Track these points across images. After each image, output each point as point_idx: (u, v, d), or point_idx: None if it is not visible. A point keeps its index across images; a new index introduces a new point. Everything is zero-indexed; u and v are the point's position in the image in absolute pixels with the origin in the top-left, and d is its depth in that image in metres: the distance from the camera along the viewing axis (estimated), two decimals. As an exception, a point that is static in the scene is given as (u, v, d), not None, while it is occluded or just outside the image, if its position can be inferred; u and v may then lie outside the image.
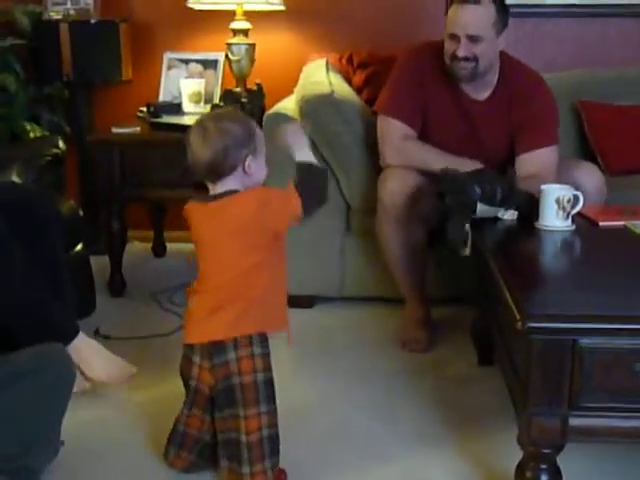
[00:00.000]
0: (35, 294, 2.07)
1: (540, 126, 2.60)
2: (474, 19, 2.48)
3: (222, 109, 1.73)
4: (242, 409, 1.78)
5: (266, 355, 1.82)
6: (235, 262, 1.77)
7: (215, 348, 1.78)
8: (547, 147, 2.59)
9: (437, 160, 2.54)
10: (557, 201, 2.14)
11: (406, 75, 2.67)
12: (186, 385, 1.87)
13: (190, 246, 1.88)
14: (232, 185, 1.79)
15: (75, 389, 2.11)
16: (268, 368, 1.82)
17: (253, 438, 1.78)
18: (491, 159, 2.61)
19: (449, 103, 2.65)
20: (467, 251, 2.20)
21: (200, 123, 1.80)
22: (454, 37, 2.51)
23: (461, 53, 2.50)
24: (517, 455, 1.72)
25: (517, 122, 2.62)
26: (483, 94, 2.64)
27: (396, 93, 2.67)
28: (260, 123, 2.92)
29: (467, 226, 2.21)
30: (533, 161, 2.57)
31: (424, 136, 2.67)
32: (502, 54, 2.62)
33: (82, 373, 2.16)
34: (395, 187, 2.55)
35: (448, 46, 2.55)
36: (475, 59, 2.51)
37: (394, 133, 2.64)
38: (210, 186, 1.81)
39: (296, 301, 2.97)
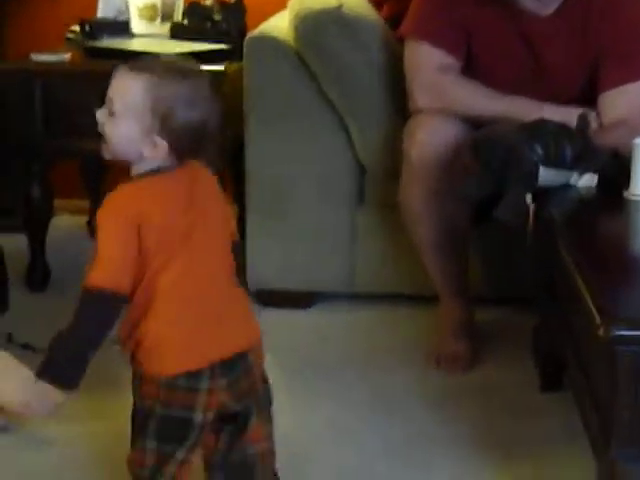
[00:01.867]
0: None
1: (632, 50, 2.60)
2: None
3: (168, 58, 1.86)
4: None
5: None
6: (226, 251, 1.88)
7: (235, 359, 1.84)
8: None
9: (487, 102, 2.55)
10: (656, 161, 2.15)
11: None
12: (180, 426, 1.86)
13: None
14: None
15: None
16: None
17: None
18: (561, 98, 2.61)
19: (501, 21, 2.64)
20: (528, 236, 2.22)
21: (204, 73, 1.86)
22: None
23: None
24: (595, 514, 1.74)
25: (599, 46, 2.62)
26: (548, 8, 2.63)
27: (429, 9, 2.68)
28: (240, 49, 2.92)
29: (528, 199, 2.22)
30: (622, 101, 2.57)
31: (467, 69, 2.68)
32: None
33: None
34: (428, 140, 2.55)
35: None
36: None
37: (428, 64, 2.64)
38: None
39: (291, 299, 3.03)
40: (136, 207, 1.79)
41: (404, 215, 2.69)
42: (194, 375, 1.82)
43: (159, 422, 1.82)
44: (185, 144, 1.80)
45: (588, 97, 2.64)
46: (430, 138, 2.55)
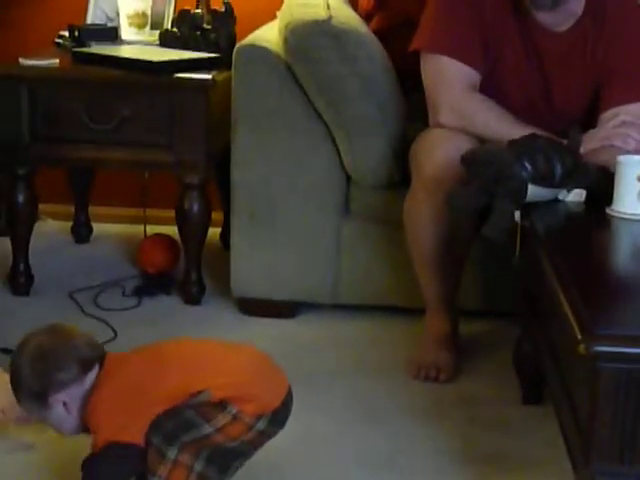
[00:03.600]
0: None
1: (632, 73, 2.63)
2: None
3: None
4: None
5: None
6: None
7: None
8: None
9: (510, 130, 2.50)
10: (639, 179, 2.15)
11: None
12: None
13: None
14: None
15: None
16: None
17: None
18: (562, 116, 2.64)
19: (516, 35, 2.65)
20: (516, 253, 2.23)
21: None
22: None
23: None
24: (573, 529, 1.74)
25: (605, 66, 2.64)
26: (562, 26, 2.65)
27: (449, 22, 2.67)
28: (229, 59, 2.93)
29: (517, 215, 2.23)
30: (619, 119, 2.58)
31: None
32: None
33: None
34: (445, 157, 2.51)
35: None
36: None
37: (456, 81, 2.63)
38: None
39: (273, 308, 3.02)
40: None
41: (408, 224, 2.68)
42: None
43: None
44: (65, 379, 1.94)
45: (588, 118, 2.66)
46: (448, 157, 2.50)
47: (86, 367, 1.96)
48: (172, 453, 1.92)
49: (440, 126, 2.64)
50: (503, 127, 2.56)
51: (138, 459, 1.93)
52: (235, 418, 1.91)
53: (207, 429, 1.91)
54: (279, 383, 2.03)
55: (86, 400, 1.97)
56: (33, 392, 1.95)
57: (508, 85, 2.68)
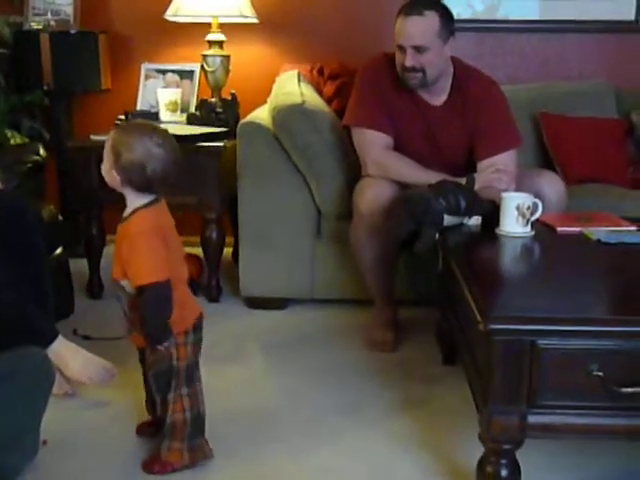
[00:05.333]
0: (16, 298, 2.05)
1: (495, 132, 2.60)
2: (418, 30, 2.49)
3: (133, 122, 1.86)
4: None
5: None
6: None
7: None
8: (505, 152, 2.59)
9: (416, 175, 2.53)
10: (517, 208, 2.16)
11: (368, 87, 2.66)
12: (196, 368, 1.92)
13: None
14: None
15: (57, 391, 2.10)
16: None
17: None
18: (450, 164, 2.62)
19: (409, 109, 2.65)
20: (438, 261, 2.23)
21: (168, 134, 1.82)
22: (401, 48, 2.53)
23: (408, 63, 2.52)
24: (479, 451, 1.73)
25: (473, 129, 2.62)
26: (438, 99, 2.65)
27: (364, 104, 2.66)
28: (234, 132, 2.92)
29: (437, 236, 2.24)
30: (493, 167, 2.58)
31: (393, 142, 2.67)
32: (455, 60, 2.64)
33: (62, 375, 2.15)
34: (373, 197, 2.53)
35: (398, 57, 2.57)
36: (422, 69, 2.53)
37: (374, 145, 2.62)
38: (149, 196, 1.84)
39: (269, 303, 3.00)
40: (159, 224, 1.82)
41: (353, 246, 2.67)
42: (196, 330, 1.88)
43: (187, 370, 1.86)
44: (133, 179, 1.77)
45: (469, 162, 2.65)
46: (375, 196, 2.52)
47: (144, 188, 1.78)
48: (170, 396, 1.86)
49: (369, 176, 2.63)
50: (411, 173, 2.56)
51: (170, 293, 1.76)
52: (176, 345, 1.83)
53: (174, 366, 1.84)
54: (194, 303, 1.92)
55: (130, 203, 1.82)
56: (113, 154, 1.76)
57: (412, 143, 2.66)
